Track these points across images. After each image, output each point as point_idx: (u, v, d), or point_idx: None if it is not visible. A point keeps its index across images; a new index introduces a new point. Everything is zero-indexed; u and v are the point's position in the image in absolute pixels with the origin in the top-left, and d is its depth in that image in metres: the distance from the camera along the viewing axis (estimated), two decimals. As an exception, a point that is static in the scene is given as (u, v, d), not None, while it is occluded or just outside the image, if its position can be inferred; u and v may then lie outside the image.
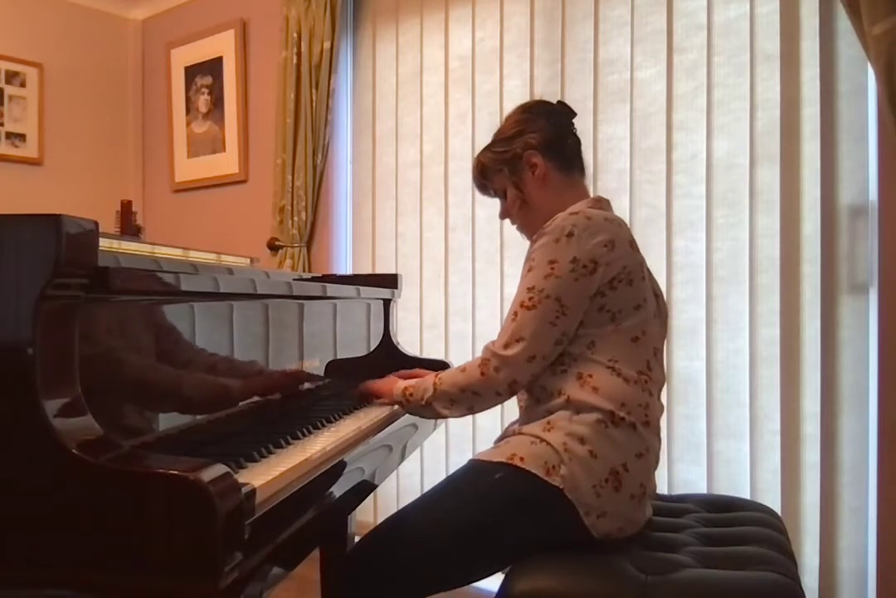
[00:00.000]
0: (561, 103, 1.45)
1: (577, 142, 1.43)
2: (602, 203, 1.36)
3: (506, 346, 1.20)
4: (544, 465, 1.14)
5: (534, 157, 1.36)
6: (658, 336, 1.29)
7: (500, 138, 1.42)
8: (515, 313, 1.21)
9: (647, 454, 1.19)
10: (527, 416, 1.28)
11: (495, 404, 1.26)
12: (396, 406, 1.40)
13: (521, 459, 1.15)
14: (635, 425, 1.17)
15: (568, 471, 1.13)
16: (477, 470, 1.21)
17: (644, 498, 1.20)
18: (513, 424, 1.38)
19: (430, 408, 1.29)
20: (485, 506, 1.15)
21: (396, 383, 1.38)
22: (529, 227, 1.40)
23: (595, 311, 1.21)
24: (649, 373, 1.23)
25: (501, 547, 1.15)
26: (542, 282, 1.19)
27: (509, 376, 1.20)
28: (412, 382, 1.35)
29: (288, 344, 1.34)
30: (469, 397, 1.24)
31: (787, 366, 1.81)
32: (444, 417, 1.31)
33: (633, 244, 1.26)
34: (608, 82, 2.11)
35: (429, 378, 1.31)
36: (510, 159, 1.38)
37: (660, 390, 1.29)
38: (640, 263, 1.26)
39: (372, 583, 1.16)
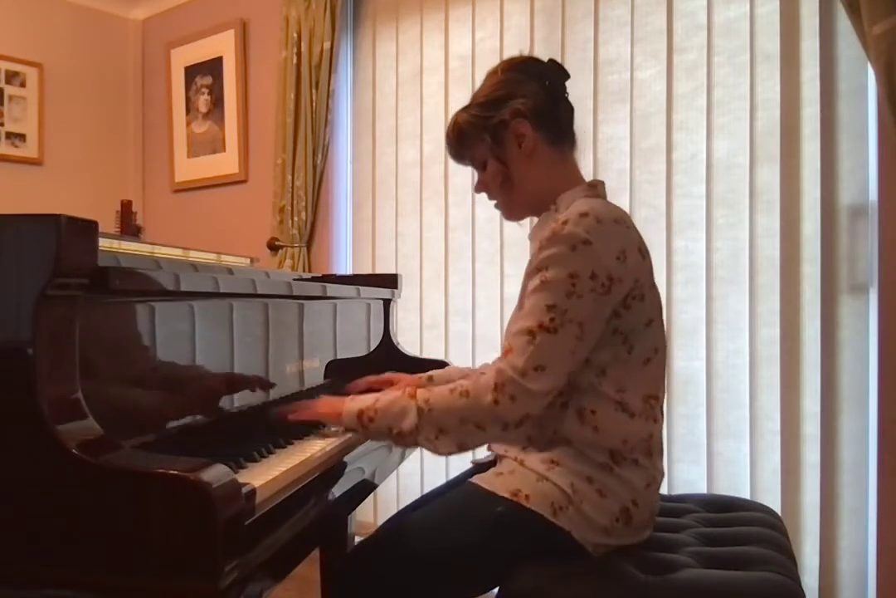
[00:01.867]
0: (553, 62, 1.26)
1: (571, 109, 1.26)
2: (598, 190, 1.22)
3: (524, 374, 1.02)
4: (551, 505, 1.06)
5: (522, 126, 1.19)
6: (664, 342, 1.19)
7: (483, 100, 1.23)
8: (532, 333, 1.03)
9: (655, 481, 1.14)
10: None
11: (493, 441, 1.13)
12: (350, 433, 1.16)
13: (527, 497, 1.07)
14: (638, 460, 1.11)
15: (577, 513, 1.06)
16: (479, 497, 1.11)
17: (652, 520, 1.15)
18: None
19: (402, 439, 1.07)
20: (486, 532, 1.07)
21: (345, 404, 1.12)
22: (511, 205, 1.27)
23: (608, 334, 1.09)
24: (658, 395, 1.15)
25: (498, 570, 1.08)
26: (563, 300, 1.03)
27: (524, 409, 1.02)
28: (366, 400, 1.10)
29: (288, 344, 1.34)
30: (469, 430, 1.03)
31: (787, 366, 1.81)
32: (422, 447, 1.08)
33: (641, 249, 1.13)
34: (608, 82, 2.11)
35: (402, 399, 1.07)
36: (495, 127, 1.20)
37: (663, 397, 1.21)
38: (649, 270, 1.15)
39: None
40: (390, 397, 1.09)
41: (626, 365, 1.10)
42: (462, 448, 1.06)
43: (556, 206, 1.21)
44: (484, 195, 1.30)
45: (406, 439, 1.07)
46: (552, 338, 1.02)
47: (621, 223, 1.11)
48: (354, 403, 1.11)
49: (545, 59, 1.26)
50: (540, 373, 1.02)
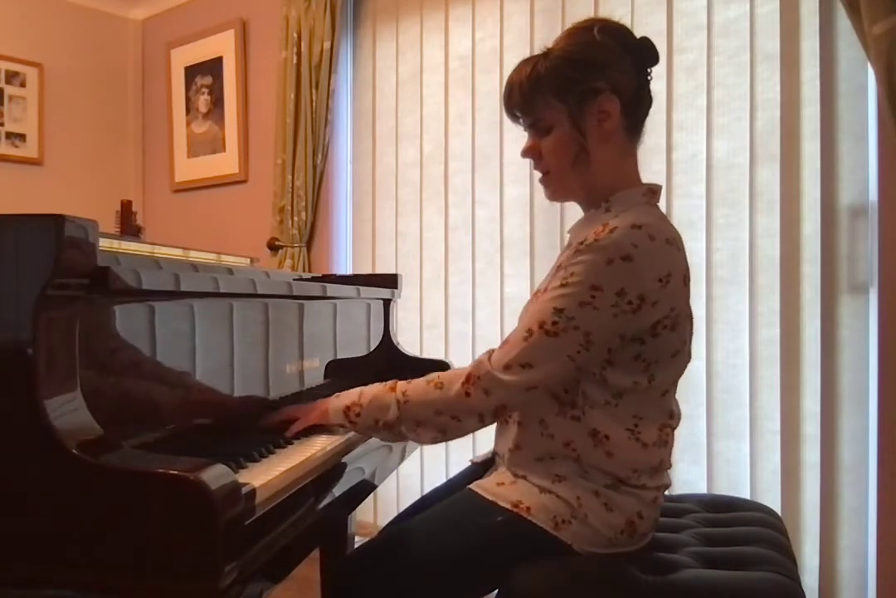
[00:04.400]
0: (647, 41, 1.12)
1: (651, 100, 1.14)
2: (657, 197, 1.14)
3: (506, 368, 1.00)
4: (553, 519, 1.03)
5: (611, 104, 1.07)
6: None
7: (577, 58, 1.07)
8: (530, 332, 1.00)
9: (661, 492, 1.12)
10: (521, 444, 1.11)
11: (475, 430, 1.07)
12: (351, 433, 1.15)
13: (528, 509, 1.04)
14: (645, 484, 1.08)
15: (581, 526, 1.04)
16: (479, 506, 1.08)
17: (654, 527, 1.13)
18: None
19: (391, 431, 1.07)
20: (485, 541, 1.05)
21: (330, 402, 1.12)
22: (568, 183, 1.14)
23: (630, 359, 1.03)
24: (673, 423, 1.11)
25: (496, 576, 1.06)
26: (575, 309, 0.98)
27: (499, 400, 1.01)
28: (352, 396, 1.11)
29: (288, 344, 1.34)
30: (445, 421, 1.03)
31: (787, 366, 1.81)
32: (409, 440, 1.09)
33: (686, 276, 1.06)
34: (608, 82, 2.11)
35: (383, 392, 1.08)
36: (583, 93, 1.07)
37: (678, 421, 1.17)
38: (688, 299, 1.08)
39: None
40: (373, 391, 1.09)
41: (645, 394, 1.06)
42: (445, 438, 1.05)
43: (608, 205, 1.12)
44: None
45: (393, 431, 1.07)
46: (549, 340, 0.99)
47: (673, 245, 1.04)
48: (340, 400, 1.12)
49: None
50: (526, 369, 0.99)
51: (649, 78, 1.13)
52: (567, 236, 1.23)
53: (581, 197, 1.17)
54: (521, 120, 1.15)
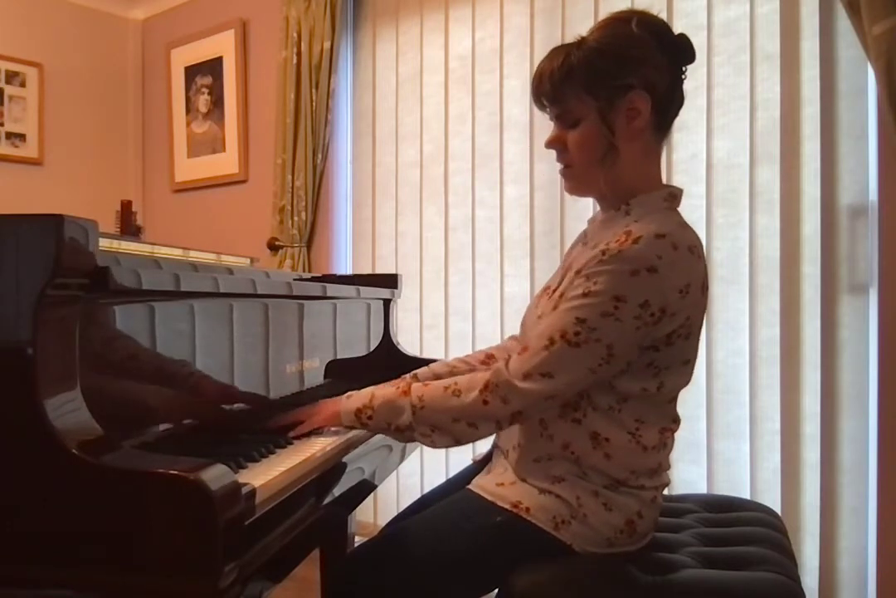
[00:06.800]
0: (685, 39, 1.07)
1: (682, 100, 1.10)
2: (677, 201, 1.10)
3: (526, 377, 0.99)
4: (553, 519, 1.04)
5: (643, 101, 1.03)
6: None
7: (612, 51, 1.03)
8: (551, 341, 0.99)
9: (660, 492, 1.12)
10: (520, 443, 1.11)
11: (490, 435, 1.07)
12: (354, 430, 1.15)
13: (528, 509, 1.05)
14: (644, 485, 1.08)
15: (580, 526, 1.04)
16: (479, 506, 1.09)
17: (654, 527, 1.14)
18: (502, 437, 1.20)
19: (402, 434, 1.08)
20: (484, 541, 1.05)
21: (342, 404, 1.13)
22: (592, 178, 1.09)
23: (642, 366, 1.03)
24: (673, 426, 1.11)
25: (496, 576, 1.06)
26: (598, 320, 0.97)
27: (516, 407, 1.00)
28: (363, 398, 1.11)
29: (288, 344, 1.34)
30: (462, 428, 1.03)
31: (787, 366, 1.81)
32: (420, 442, 1.08)
33: (704, 284, 1.04)
34: (608, 82, 2.10)
35: (396, 395, 1.07)
36: (615, 88, 1.03)
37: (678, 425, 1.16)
38: (704, 308, 1.07)
39: None
40: (385, 393, 1.10)
41: (652, 400, 1.06)
42: (458, 443, 1.06)
43: (628, 208, 1.09)
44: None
45: (404, 435, 1.08)
46: (571, 351, 0.98)
47: (695, 253, 1.02)
48: (351, 402, 1.13)
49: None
50: (546, 378, 0.99)
51: (683, 77, 1.09)
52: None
53: (601, 194, 1.14)
54: (547, 109, 1.11)
